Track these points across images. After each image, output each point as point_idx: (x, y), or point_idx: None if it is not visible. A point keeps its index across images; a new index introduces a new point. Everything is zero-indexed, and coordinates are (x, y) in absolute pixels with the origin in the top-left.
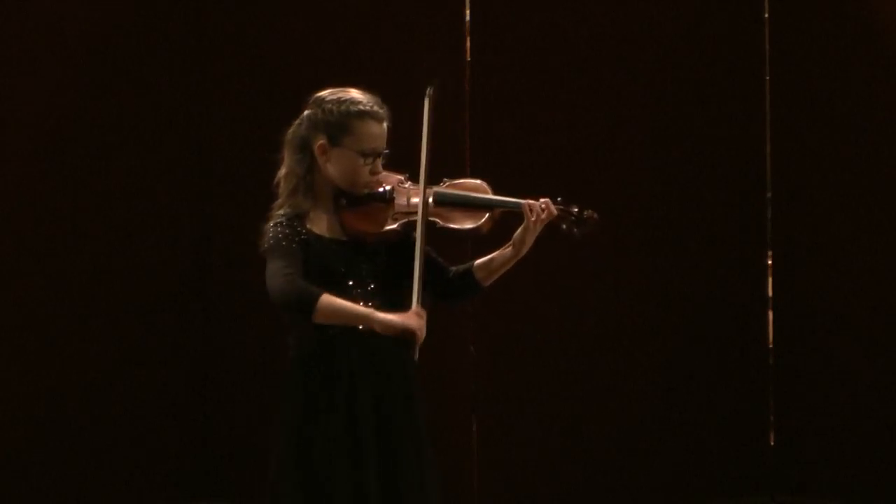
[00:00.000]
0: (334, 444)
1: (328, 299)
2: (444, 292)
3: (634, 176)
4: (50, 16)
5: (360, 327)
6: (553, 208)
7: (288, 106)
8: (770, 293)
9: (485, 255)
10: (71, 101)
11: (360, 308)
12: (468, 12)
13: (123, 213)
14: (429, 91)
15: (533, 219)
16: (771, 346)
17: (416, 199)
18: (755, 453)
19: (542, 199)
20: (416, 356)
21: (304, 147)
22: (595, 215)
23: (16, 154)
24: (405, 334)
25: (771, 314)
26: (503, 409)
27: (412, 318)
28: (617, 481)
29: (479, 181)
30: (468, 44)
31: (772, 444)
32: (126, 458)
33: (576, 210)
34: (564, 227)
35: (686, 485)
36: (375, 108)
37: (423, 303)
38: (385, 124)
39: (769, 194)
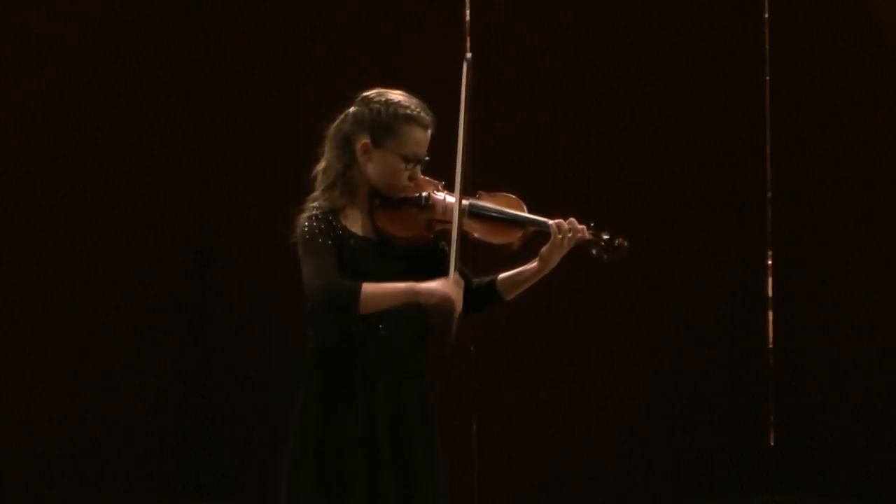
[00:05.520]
0: (351, 441)
1: (368, 290)
2: (465, 302)
3: (634, 175)
4: (50, 16)
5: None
6: (584, 231)
7: (288, 107)
8: (770, 293)
9: (510, 268)
10: (71, 101)
11: (399, 285)
12: (468, 12)
13: (123, 213)
14: (467, 61)
15: (560, 238)
16: (771, 346)
17: (451, 208)
18: (755, 453)
19: (571, 219)
20: (454, 329)
21: (346, 144)
22: (626, 243)
23: (16, 154)
24: (446, 304)
25: (771, 314)
26: (503, 409)
27: (450, 287)
28: (617, 481)
29: (514, 196)
30: (468, 44)
31: (772, 444)
32: (126, 458)
33: (606, 237)
34: (594, 251)
35: (686, 485)
36: (422, 113)
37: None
38: (429, 131)
39: (769, 194)
